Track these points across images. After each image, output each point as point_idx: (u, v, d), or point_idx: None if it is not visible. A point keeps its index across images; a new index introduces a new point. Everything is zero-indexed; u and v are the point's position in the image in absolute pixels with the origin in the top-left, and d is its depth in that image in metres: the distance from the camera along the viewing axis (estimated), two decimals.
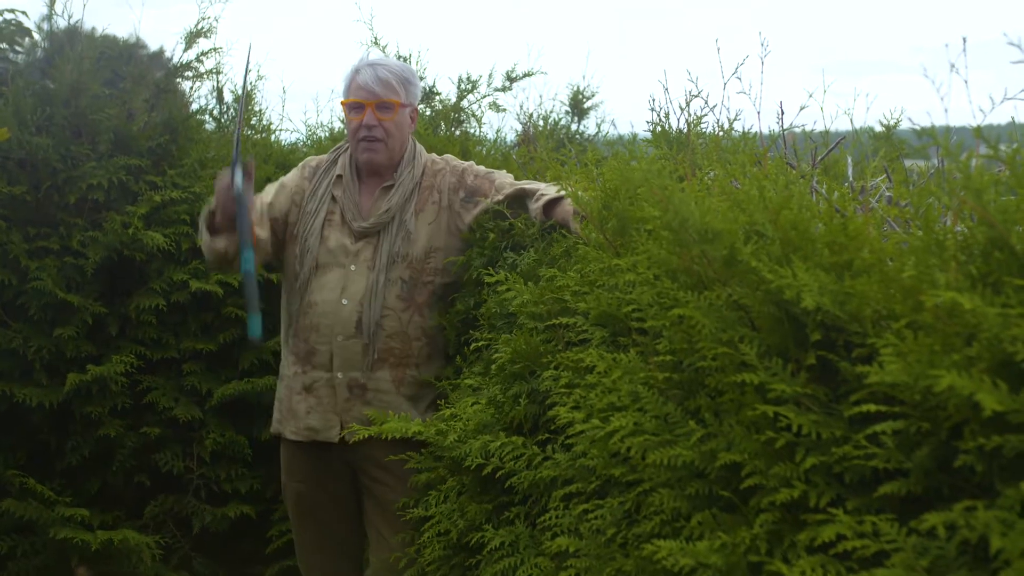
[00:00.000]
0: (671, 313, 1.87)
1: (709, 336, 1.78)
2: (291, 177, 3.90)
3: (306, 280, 3.73)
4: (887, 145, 4.35)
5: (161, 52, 6.06)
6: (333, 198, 3.77)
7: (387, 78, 3.71)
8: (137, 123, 5.27)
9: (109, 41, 5.56)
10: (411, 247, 3.72)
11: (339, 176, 3.80)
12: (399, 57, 5.94)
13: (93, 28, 5.41)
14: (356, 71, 3.77)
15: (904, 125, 4.31)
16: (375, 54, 3.60)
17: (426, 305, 3.72)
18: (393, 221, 3.73)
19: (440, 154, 3.94)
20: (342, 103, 3.81)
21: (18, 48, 5.97)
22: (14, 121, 4.90)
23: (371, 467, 3.70)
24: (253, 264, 3.41)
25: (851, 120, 3.63)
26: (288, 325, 3.84)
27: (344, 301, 3.67)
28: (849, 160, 3.21)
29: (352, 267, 3.70)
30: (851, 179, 3.06)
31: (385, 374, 3.70)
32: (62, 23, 5.30)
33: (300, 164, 3.96)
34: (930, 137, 1.69)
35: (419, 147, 3.87)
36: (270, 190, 3.88)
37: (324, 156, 3.93)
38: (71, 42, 5.21)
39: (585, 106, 7.08)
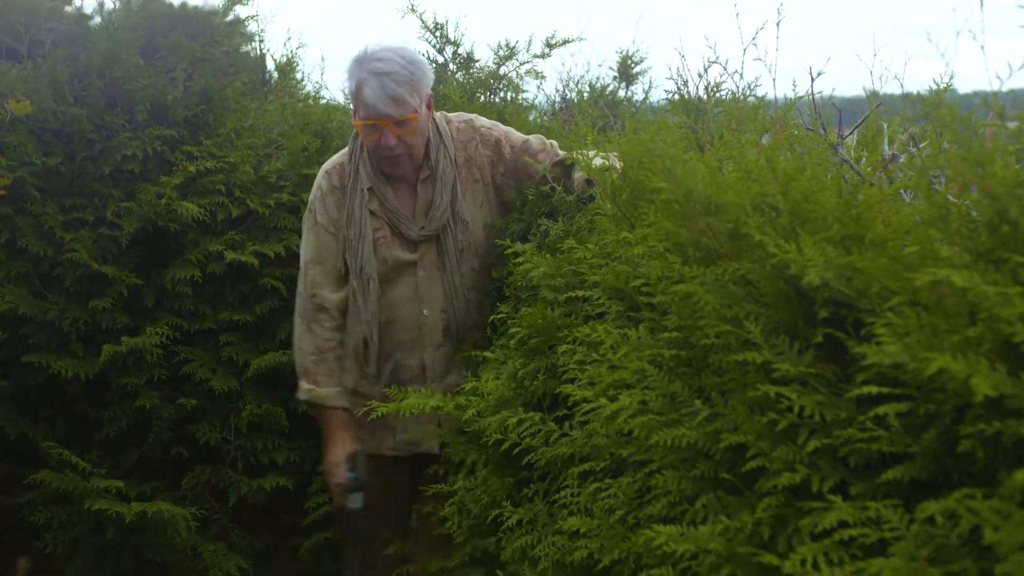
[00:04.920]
0: (676, 288, 1.80)
1: (712, 313, 1.72)
2: (319, 215, 3.67)
3: (375, 306, 3.60)
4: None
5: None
6: (372, 214, 3.60)
7: (397, 93, 3.39)
8: (173, 93, 5.22)
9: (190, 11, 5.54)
10: (471, 235, 3.62)
11: (369, 189, 3.59)
12: (436, 26, 5.86)
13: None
14: (361, 83, 3.43)
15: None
16: (376, 40, 3.28)
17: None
18: (450, 217, 3.60)
19: None
20: (355, 124, 3.50)
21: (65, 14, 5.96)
22: (50, 91, 4.88)
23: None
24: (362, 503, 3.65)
25: (872, 80, 3.50)
26: (359, 347, 3.70)
27: (425, 312, 3.59)
28: (885, 127, 3.11)
29: (421, 273, 3.60)
30: (886, 148, 2.97)
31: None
32: None
33: (317, 194, 3.70)
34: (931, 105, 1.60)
35: (439, 122, 3.65)
36: (311, 242, 3.69)
37: (337, 163, 3.70)
38: (127, 10, 5.18)
39: (634, 72, 6.99)
